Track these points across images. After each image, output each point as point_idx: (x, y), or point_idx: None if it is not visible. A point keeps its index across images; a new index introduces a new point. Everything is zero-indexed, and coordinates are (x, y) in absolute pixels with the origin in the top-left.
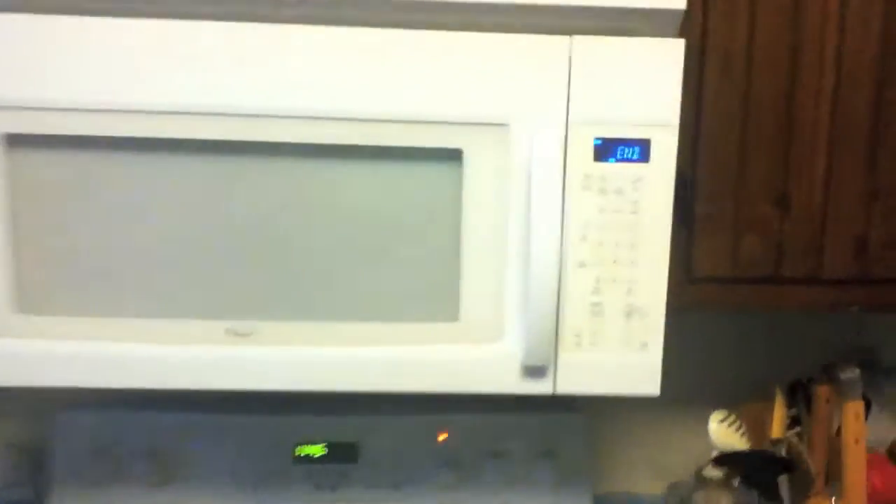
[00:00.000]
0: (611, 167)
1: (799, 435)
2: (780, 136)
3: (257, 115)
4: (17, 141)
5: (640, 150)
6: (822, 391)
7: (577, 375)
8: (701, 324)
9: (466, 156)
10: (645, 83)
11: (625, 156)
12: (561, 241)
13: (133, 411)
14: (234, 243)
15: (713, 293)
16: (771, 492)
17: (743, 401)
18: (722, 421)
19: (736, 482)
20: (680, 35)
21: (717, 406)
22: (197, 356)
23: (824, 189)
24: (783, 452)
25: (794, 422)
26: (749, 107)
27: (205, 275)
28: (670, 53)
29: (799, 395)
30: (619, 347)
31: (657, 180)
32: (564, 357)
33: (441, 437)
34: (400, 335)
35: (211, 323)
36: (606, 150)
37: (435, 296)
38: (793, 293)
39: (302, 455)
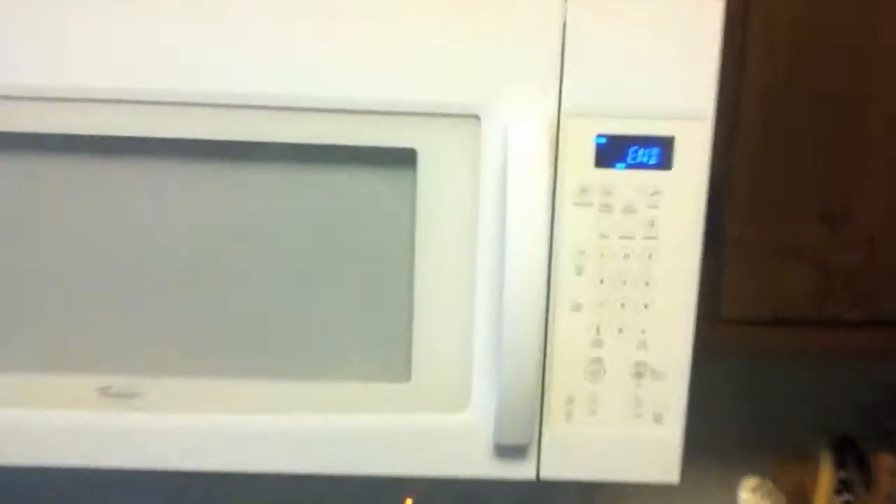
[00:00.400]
0: (618, 176)
1: None
2: (839, 140)
3: (138, 102)
4: None
5: (660, 152)
6: (883, 462)
7: (569, 456)
8: (726, 369)
9: (422, 159)
10: (668, 61)
11: (638, 160)
12: (548, 277)
13: None
14: (112, 270)
15: (746, 338)
16: None
17: (779, 463)
18: (755, 490)
19: None
20: None
21: (747, 471)
22: (57, 425)
23: (890, 209)
24: None
25: (842, 487)
26: (801, 99)
27: (71, 314)
28: (705, 20)
29: (849, 455)
30: (626, 420)
31: (683, 194)
32: (551, 432)
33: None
34: (333, 399)
35: (79, 379)
36: (613, 151)
37: (379, 347)
38: (847, 338)
39: None
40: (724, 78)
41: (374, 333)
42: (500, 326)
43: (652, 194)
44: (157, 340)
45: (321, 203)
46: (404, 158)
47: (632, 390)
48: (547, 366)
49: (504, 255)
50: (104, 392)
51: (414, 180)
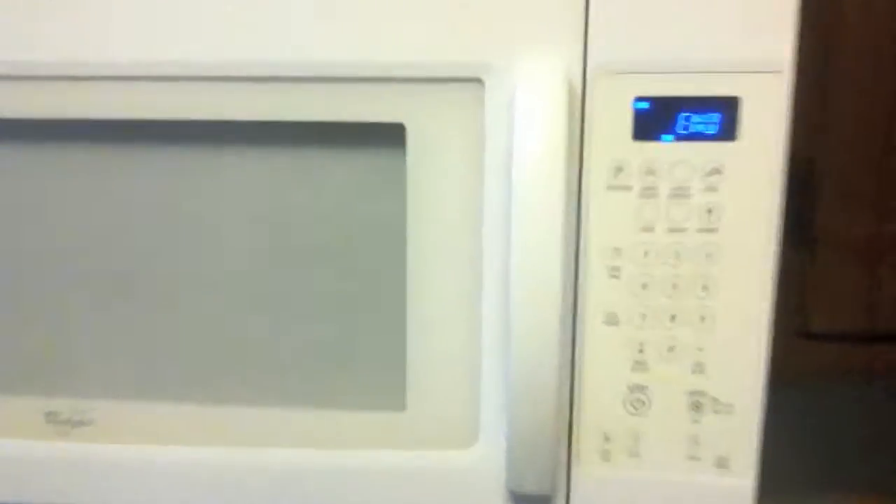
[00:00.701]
0: (665, 150)
1: None
2: None
3: (73, 78)
4: None
5: (721, 118)
6: None
7: None
8: (815, 395)
9: (412, 136)
10: None
11: (692, 129)
12: (574, 282)
13: None
14: (61, 275)
15: (841, 356)
16: None
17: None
18: None
19: None
20: None
21: None
22: None
23: None
24: None
25: None
26: None
27: (12, 327)
28: None
29: None
30: (680, 463)
31: (752, 172)
32: (584, 476)
33: None
34: (314, 430)
35: (21, 403)
36: (657, 119)
37: (367, 368)
38: None
39: None
40: (812, 16)
41: (360, 352)
42: (508, 345)
43: (710, 174)
44: (113, 358)
45: (294, 196)
46: (390, 136)
47: (686, 426)
48: (576, 394)
49: (510, 255)
50: (50, 418)
51: (402, 164)
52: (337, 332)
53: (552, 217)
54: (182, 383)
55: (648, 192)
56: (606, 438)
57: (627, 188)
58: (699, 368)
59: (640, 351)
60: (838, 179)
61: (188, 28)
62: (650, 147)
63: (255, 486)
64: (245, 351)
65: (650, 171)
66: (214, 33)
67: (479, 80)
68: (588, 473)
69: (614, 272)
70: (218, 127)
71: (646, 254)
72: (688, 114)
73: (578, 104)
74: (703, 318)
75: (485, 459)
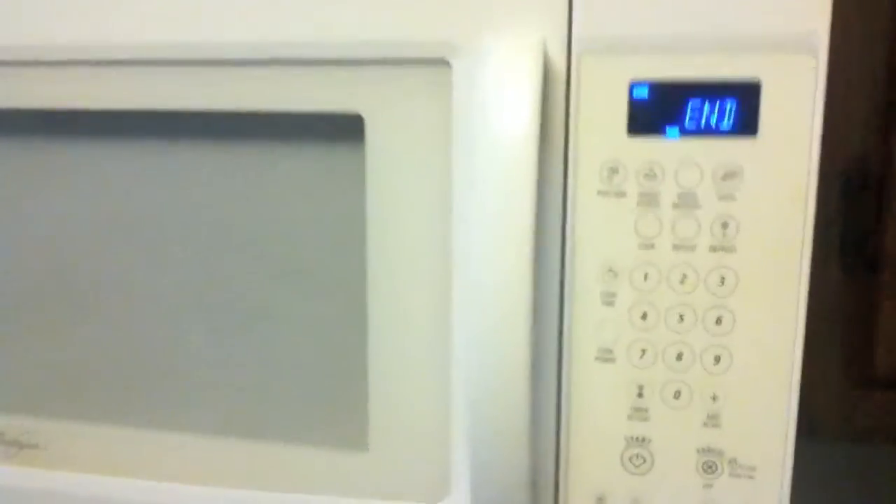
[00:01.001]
0: (669, 148)
1: None
2: None
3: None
4: None
5: (738, 107)
6: None
7: None
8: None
9: (371, 128)
10: None
11: (702, 122)
12: (561, 308)
13: None
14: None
15: None
16: None
17: None
18: None
19: None
20: None
21: None
22: None
23: None
24: None
25: None
26: None
27: None
28: None
29: None
30: None
31: (779, 176)
32: None
33: None
34: (261, 467)
35: None
36: (660, 109)
37: (323, 400)
38: None
39: None
40: None
41: (316, 380)
42: (475, 384)
43: (725, 178)
44: (60, 377)
45: (241, 197)
46: (347, 128)
47: (698, 492)
48: (563, 446)
49: (479, 277)
50: None
51: (362, 158)
52: (289, 352)
53: (521, 225)
54: (122, 406)
55: (648, 200)
56: (601, 500)
57: (622, 194)
58: (713, 421)
59: (640, 395)
60: None
61: (124, 9)
62: (650, 143)
63: None
64: (189, 370)
65: (650, 174)
66: (151, 14)
67: (445, 62)
68: None
69: (608, 298)
70: (156, 117)
71: (646, 276)
72: (697, 101)
73: (562, 89)
74: (717, 359)
75: None
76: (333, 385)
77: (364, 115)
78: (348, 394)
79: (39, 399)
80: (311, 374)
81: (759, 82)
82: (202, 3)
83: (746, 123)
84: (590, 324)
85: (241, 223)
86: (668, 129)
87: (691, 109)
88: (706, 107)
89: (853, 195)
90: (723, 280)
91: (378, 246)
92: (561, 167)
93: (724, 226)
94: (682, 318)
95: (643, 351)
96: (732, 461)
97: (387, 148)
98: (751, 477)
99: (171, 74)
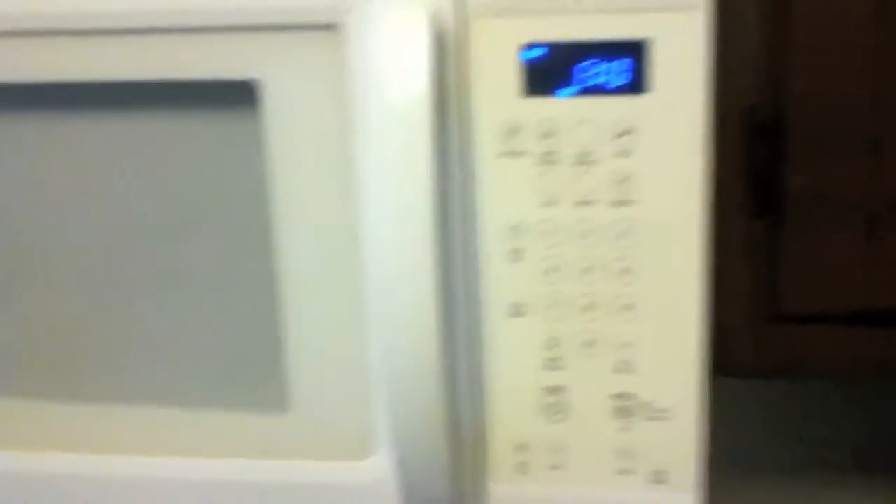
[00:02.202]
0: (565, 108)
1: None
2: None
3: None
4: None
5: (631, 65)
6: None
7: None
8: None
9: (267, 94)
10: None
11: (594, 81)
12: (469, 267)
13: None
14: None
15: (822, 342)
16: None
17: None
18: None
19: None
20: None
21: None
22: None
23: None
24: None
25: None
26: None
27: None
28: None
29: None
30: (609, 477)
31: (672, 131)
32: (498, 491)
33: None
34: (180, 434)
35: None
36: (553, 70)
37: (240, 360)
38: None
39: None
40: None
41: (231, 341)
42: (381, 342)
43: (621, 134)
44: None
45: (140, 165)
46: (242, 95)
47: (615, 434)
48: (481, 399)
49: (375, 230)
50: None
51: (258, 126)
52: (201, 317)
53: (421, 185)
54: (30, 378)
55: (548, 159)
56: (522, 449)
57: (521, 154)
58: (625, 367)
59: (553, 346)
60: (815, 127)
61: None
62: (546, 104)
63: (110, 499)
64: (97, 341)
65: (548, 134)
66: None
67: (336, 26)
68: (504, 489)
69: (515, 255)
70: (43, 89)
71: (549, 233)
72: (590, 61)
73: (455, 51)
74: (625, 307)
75: (383, 473)
76: (251, 349)
77: (259, 81)
78: (266, 356)
79: None
80: (226, 339)
81: (648, 40)
82: None
83: (638, 81)
84: (499, 281)
85: (145, 191)
86: (562, 89)
87: (585, 69)
88: (599, 66)
89: (753, 137)
90: (625, 232)
91: (282, 209)
92: (458, 130)
93: (623, 180)
94: (588, 270)
95: (553, 303)
96: (646, 405)
97: (284, 112)
98: (665, 419)
99: (62, 44)
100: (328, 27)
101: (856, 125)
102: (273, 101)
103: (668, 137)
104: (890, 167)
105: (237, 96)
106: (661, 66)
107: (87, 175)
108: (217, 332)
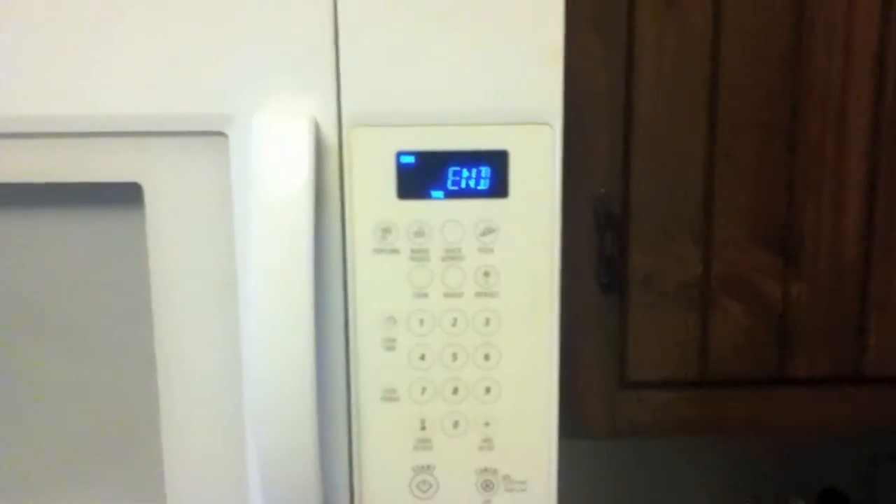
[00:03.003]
0: (435, 209)
1: None
2: (784, 134)
3: None
4: None
5: (492, 172)
6: None
7: None
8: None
9: (150, 197)
10: (492, 39)
11: (462, 185)
12: (346, 355)
13: None
14: None
15: (667, 408)
16: None
17: None
18: None
19: None
20: None
21: None
22: None
23: (864, 229)
24: None
25: None
26: (721, 74)
27: None
28: None
29: None
30: None
31: (528, 231)
32: None
33: None
34: None
35: None
36: (424, 175)
37: (120, 452)
38: (815, 403)
39: None
40: (613, 48)
41: (111, 432)
42: (256, 434)
43: (484, 233)
44: None
45: (22, 264)
46: (126, 197)
47: None
48: (355, 481)
49: (254, 325)
50: None
51: (142, 228)
52: (81, 414)
53: (298, 281)
54: None
55: (419, 255)
56: None
57: (395, 251)
58: (487, 444)
59: (423, 428)
60: (650, 223)
61: None
62: (418, 206)
63: None
64: None
65: (419, 233)
66: None
67: (222, 134)
68: None
69: (389, 343)
70: None
71: (421, 322)
72: (457, 168)
73: (334, 160)
74: (487, 390)
75: None
76: (128, 445)
77: (143, 184)
78: (144, 452)
79: None
80: (104, 435)
81: (506, 151)
82: None
83: (498, 186)
84: (374, 367)
85: (23, 292)
86: (433, 192)
87: (452, 174)
88: (464, 172)
89: (601, 226)
90: (487, 321)
91: (163, 309)
92: (339, 230)
93: (486, 274)
94: (455, 356)
95: (423, 388)
96: (506, 477)
97: (167, 216)
98: (523, 490)
99: None
100: (215, 134)
101: (688, 217)
102: (155, 201)
103: (525, 236)
104: (717, 253)
105: (124, 196)
106: (518, 172)
107: None
108: (95, 432)
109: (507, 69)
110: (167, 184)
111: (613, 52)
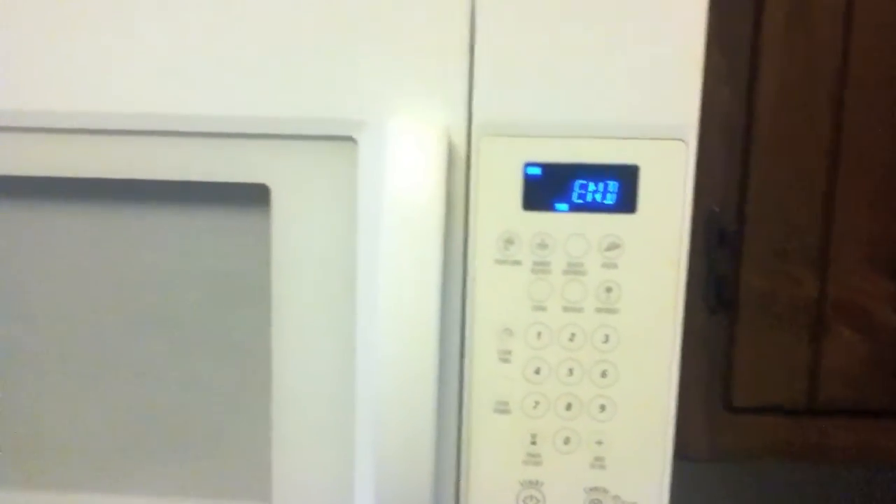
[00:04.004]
0: (560, 222)
1: None
2: None
3: None
4: None
5: (620, 187)
6: None
7: None
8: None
9: (277, 199)
10: (628, 53)
11: (589, 199)
12: (461, 365)
13: None
14: None
15: (772, 433)
16: None
17: None
18: None
19: None
20: None
21: None
22: None
23: None
24: None
25: None
26: (848, 96)
27: None
28: None
29: None
30: None
31: (655, 248)
32: None
33: None
34: None
35: None
36: (551, 187)
37: (227, 451)
38: None
39: None
40: (734, 69)
41: (220, 432)
42: (376, 435)
43: (609, 248)
44: None
45: (149, 258)
46: (254, 199)
47: None
48: (462, 492)
49: (384, 337)
50: None
51: (268, 229)
52: (195, 409)
53: (427, 290)
54: (18, 467)
55: (541, 268)
56: None
57: (517, 263)
58: (599, 463)
59: (534, 443)
60: (764, 244)
61: (37, 78)
62: (543, 218)
63: None
64: (92, 430)
65: (542, 245)
66: (61, 83)
67: (351, 139)
68: None
69: (505, 355)
70: (66, 183)
71: (538, 335)
72: (584, 182)
73: (462, 167)
74: (602, 407)
75: None
76: (236, 436)
77: (271, 186)
78: (251, 449)
79: None
80: (209, 430)
81: (637, 165)
82: (120, 77)
83: (626, 201)
84: (487, 378)
85: (148, 287)
86: (558, 204)
87: (579, 187)
88: (591, 185)
89: (714, 244)
90: (607, 338)
91: (282, 309)
92: (461, 238)
93: (608, 290)
94: (571, 371)
95: (536, 402)
96: (616, 497)
97: (293, 217)
98: None
99: (89, 144)
100: (344, 139)
101: (805, 239)
102: (283, 203)
103: (651, 253)
104: (833, 277)
105: (249, 196)
106: (648, 188)
107: (96, 264)
108: (210, 424)
109: (644, 83)
110: (295, 186)
111: (736, 68)
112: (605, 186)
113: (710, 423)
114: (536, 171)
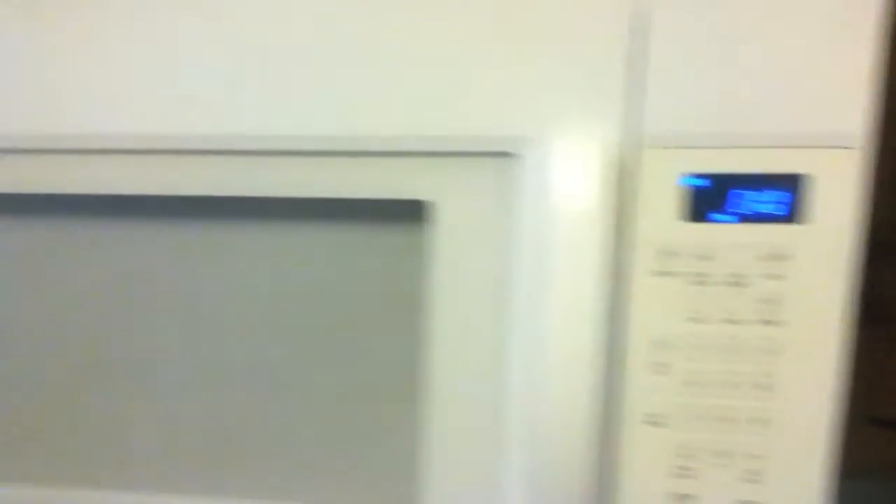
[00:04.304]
0: (722, 233)
1: None
2: None
3: (66, 151)
4: None
5: (784, 197)
6: None
7: None
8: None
9: (440, 214)
10: (796, 60)
11: (755, 209)
12: (614, 376)
13: None
14: (59, 356)
15: None
16: None
17: None
18: None
19: None
20: None
21: None
22: None
23: None
24: None
25: None
26: None
27: None
28: None
29: None
30: None
31: (824, 259)
32: None
33: None
34: None
35: None
36: (713, 198)
37: (374, 467)
38: None
39: None
40: None
41: (367, 448)
42: (532, 448)
43: (772, 259)
44: (89, 444)
45: (304, 274)
46: (412, 211)
47: None
48: (610, 500)
49: (543, 349)
50: None
51: (428, 242)
52: (344, 423)
53: (588, 304)
54: (161, 473)
55: (700, 280)
56: None
57: (676, 274)
58: (755, 477)
59: (687, 455)
60: None
61: (192, 100)
62: (704, 229)
63: None
64: (243, 441)
65: (704, 257)
66: (224, 106)
67: (512, 155)
68: None
69: (660, 367)
70: (234, 202)
71: (696, 348)
72: (751, 192)
73: (623, 179)
74: (760, 421)
75: None
76: (383, 452)
77: (434, 202)
78: (398, 463)
79: (54, 465)
80: (360, 440)
81: (804, 175)
82: (279, 99)
83: (793, 212)
84: (640, 390)
85: (300, 302)
86: (718, 215)
87: (740, 198)
88: (754, 195)
89: (870, 255)
90: (769, 350)
91: (439, 321)
92: (620, 248)
93: (771, 302)
94: (728, 384)
95: (691, 415)
96: None
97: (454, 233)
98: None
99: (261, 164)
100: (505, 155)
101: None
102: (445, 218)
103: (819, 264)
104: None
105: (409, 212)
106: (817, 199)
107: (256, 282)
108: (358, 439)
109: (814, 90)
110: (457, 202)
111: None
112: (769, 196)
113: (855, 437)
114: (700, 182)
